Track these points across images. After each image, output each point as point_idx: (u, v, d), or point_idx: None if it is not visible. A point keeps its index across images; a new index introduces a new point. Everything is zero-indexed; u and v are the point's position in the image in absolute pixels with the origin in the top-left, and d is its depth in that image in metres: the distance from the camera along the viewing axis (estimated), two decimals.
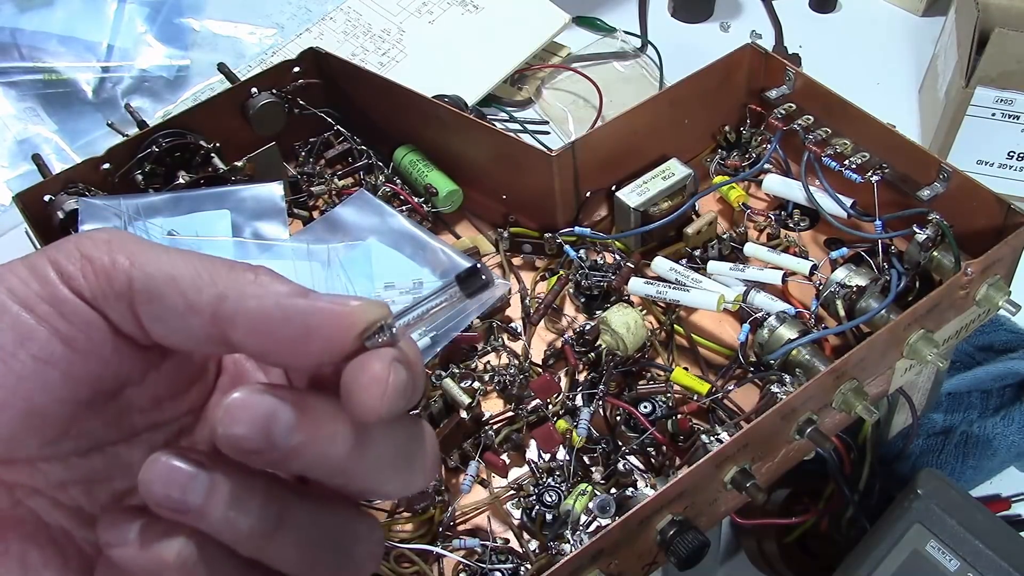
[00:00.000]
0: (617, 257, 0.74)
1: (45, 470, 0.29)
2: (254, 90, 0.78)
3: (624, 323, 0.66)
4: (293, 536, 0.28)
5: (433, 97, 0.80)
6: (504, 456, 0.65)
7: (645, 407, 0.64)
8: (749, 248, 0.73)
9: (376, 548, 0.31)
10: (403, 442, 0.29)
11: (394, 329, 0.27)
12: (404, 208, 0.77)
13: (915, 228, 0.66)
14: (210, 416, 0.32)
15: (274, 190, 0.72)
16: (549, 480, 0.62)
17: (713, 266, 0.72)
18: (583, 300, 0.73)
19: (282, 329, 0.27)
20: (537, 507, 0.61)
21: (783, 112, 0.76)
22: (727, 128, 0.81)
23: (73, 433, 0.29)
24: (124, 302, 0.28)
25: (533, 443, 0.65)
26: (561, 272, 0.74)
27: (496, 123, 0.98)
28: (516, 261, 0.77)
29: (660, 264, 0.71)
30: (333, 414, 0.28)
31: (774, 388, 0.61)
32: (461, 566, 0.59)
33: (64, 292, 0.28)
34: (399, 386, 0.27)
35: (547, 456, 0.64)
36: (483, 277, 0.28)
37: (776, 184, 0.76)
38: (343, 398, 0.27)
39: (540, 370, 0.69)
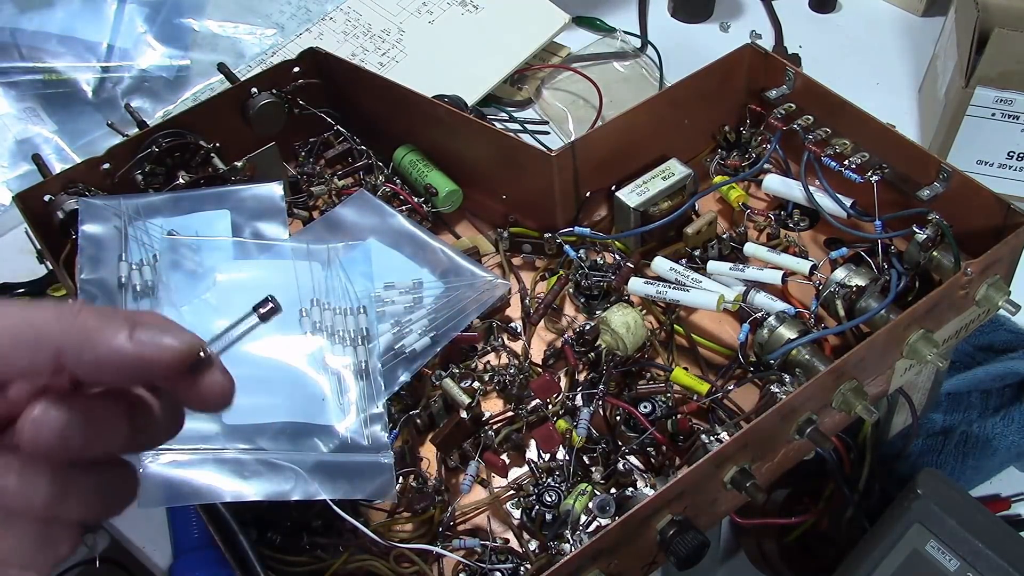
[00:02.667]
0: (617, 257, 0.74)
1: None
2: (254, 90, 0.78)
3: (624, 323, 0.66)
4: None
5: (433, 97, 0.80)
6: (504, 456, 0.65)
7: (645, 407, 0.64)
8: (749, 248, 0.73)
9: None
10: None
11: (209, 352, 0.36)
12: (404, 208, 0.77)
13: (915, 228, 0.66)
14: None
15: (274, 190, 0.72)
16: (549, 480, 0.62)
17: (713, 266, 0.72)
18: (583, 300, 0.73)
19: (112, 373, 0.34)
20: (537, 507, 0.61)
21: (783, 112, 0.76)
22: (727, 128, 0.82)
23: None
24: None
25: (533, 443, 0.65)
26: (561, 272, 0.74)
27: (496, 123, 0.98)
28: (516, 261, 0.77)
29: (660, 264, 0.71)
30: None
31: (774, 388, 0.61)
32: (461, 566, 0.59)
33: None
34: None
35: (547, 456, 0.64)
36: (271, 305, 0.40)
37: (776, 184, 0.76)
38: (195, 402, 0.37)
39: (540, 370, 0.69)
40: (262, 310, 0.40)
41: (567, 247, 0.74)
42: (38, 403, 0.34)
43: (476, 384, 0.67)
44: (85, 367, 0.34)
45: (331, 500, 0.56)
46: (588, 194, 0.76)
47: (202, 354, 0.36)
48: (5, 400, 0.36)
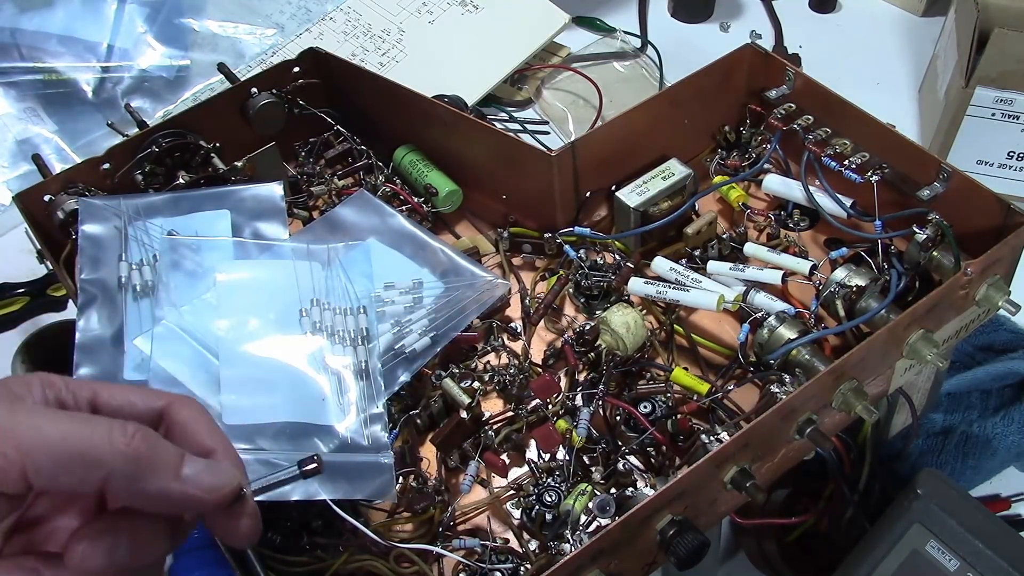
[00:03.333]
0: (617, 257, 0.74)
1: None
2: (254, 90, 0.78)
3: (624, 323, 0.66)
4: None
5: (433, 97, 0.80)
6: (504, 456, 0.65)
7: (645, 407, 0.64)
8: (749, 248, 0.73)
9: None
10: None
11: (247, 491, 0.40)
12: (404, 208, 0.77)
13: (915, 228, 0.66)
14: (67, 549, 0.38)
15: (274, 190, 0.72)
16: (549, 480, 0.62)
17: (713, 266, 0.72)
18: (583, 300, 0.73)
19: (156, 505, 0.36)
20: (537, 507, 0.60)
21: (783, 112, 0.76)
22: (727, 128, 0.81)
23: None
24: (18, 486, 0.34)
25: (533, 443, 0.65)
26: (561, 272, 0.74)
27: (496, 123, 0.98)
28: (516, 261, 0.77)
29: (660, 264, 0.71)
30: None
31: (774, 388, 0.61)
32: (461, 566, 0.59)
33: None
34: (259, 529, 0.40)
35: (547, 456, 0.64)
36: (315, 464, 0.42)
37: (776, 184, 0.76)
38: (222, 535, 0.39)
39: (540, 370, 0.69)
40: (305, 468, 0.42)
41: (567, 247, 0.74)
42: (86, 532, 0.35)
43: (476, 384, 0.66)
44: (131, 497, 0.35)
45: (331, 500, 0.56)
46: (588, 194, 0.76)
47: (243, 491, 0.39)
48: (43, 502, 0.38)
